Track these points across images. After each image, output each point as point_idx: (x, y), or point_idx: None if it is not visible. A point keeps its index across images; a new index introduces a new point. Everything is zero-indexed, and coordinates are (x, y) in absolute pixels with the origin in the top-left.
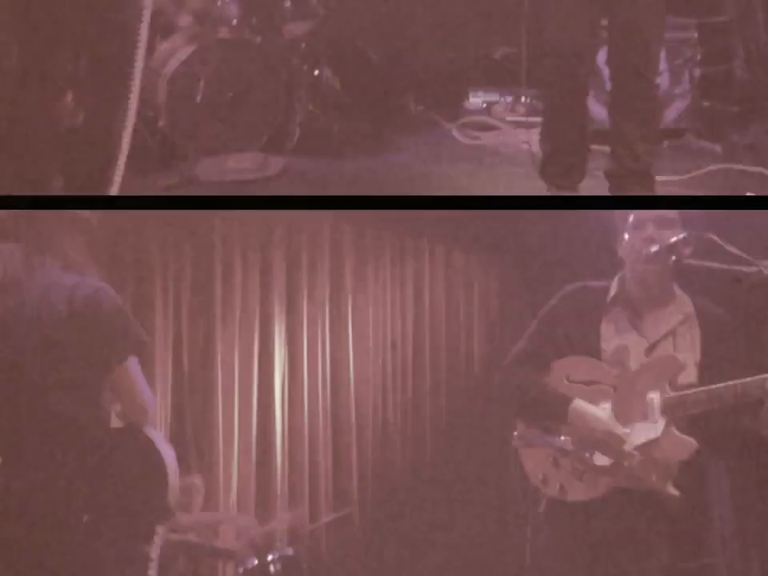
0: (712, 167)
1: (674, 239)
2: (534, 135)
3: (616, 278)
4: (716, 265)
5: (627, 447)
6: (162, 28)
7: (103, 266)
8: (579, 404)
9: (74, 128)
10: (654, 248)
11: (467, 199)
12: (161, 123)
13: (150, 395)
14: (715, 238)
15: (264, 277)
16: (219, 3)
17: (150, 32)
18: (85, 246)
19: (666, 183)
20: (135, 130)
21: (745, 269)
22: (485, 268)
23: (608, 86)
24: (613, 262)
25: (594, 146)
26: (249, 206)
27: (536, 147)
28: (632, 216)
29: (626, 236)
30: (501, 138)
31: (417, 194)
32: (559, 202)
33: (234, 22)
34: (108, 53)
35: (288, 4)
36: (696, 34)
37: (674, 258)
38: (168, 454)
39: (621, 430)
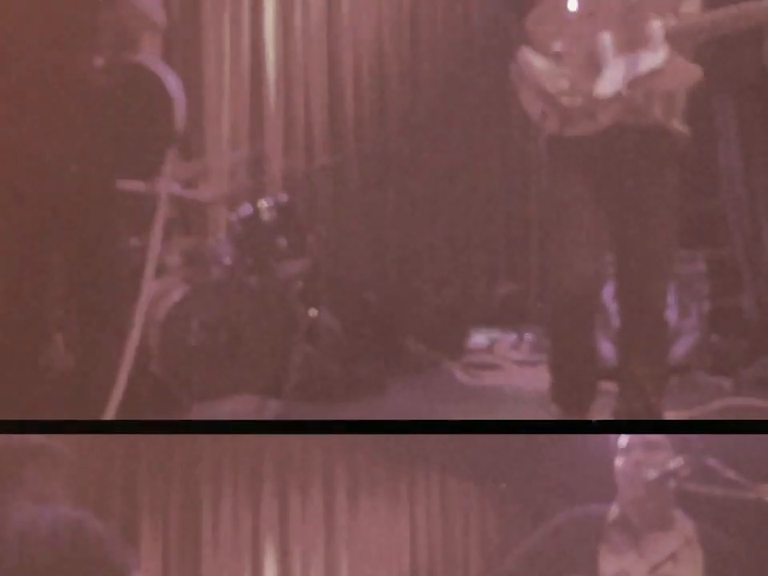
0: (721, 402)
1: (672, 465)
2: (539, 374)
3: (614, 503)
4: (715, 490)
5: None
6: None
7: (89, 493)
8: None
9: (64, 373)
10: (653, 474)
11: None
12: (153, 368)
13: None
14: (713, 463)
15: (254, 501)
16: (211, 242)
17: (135, 273)
18: (60, 478)
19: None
20: (127, 376)
21: (744, 494)
22: (480, 493)
23: (615, 322)
24: (611, 486)
25: (601, 385)
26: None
27: (541, 386)
28: (621, 442)
29: (619, 462)
30: (504, 377)
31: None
32: (563, 427)
33: (227, 261)
34: (99, 297)
35: (283, 242)
36: (704, 267)
37: (672, 483)
38: None
39: None
